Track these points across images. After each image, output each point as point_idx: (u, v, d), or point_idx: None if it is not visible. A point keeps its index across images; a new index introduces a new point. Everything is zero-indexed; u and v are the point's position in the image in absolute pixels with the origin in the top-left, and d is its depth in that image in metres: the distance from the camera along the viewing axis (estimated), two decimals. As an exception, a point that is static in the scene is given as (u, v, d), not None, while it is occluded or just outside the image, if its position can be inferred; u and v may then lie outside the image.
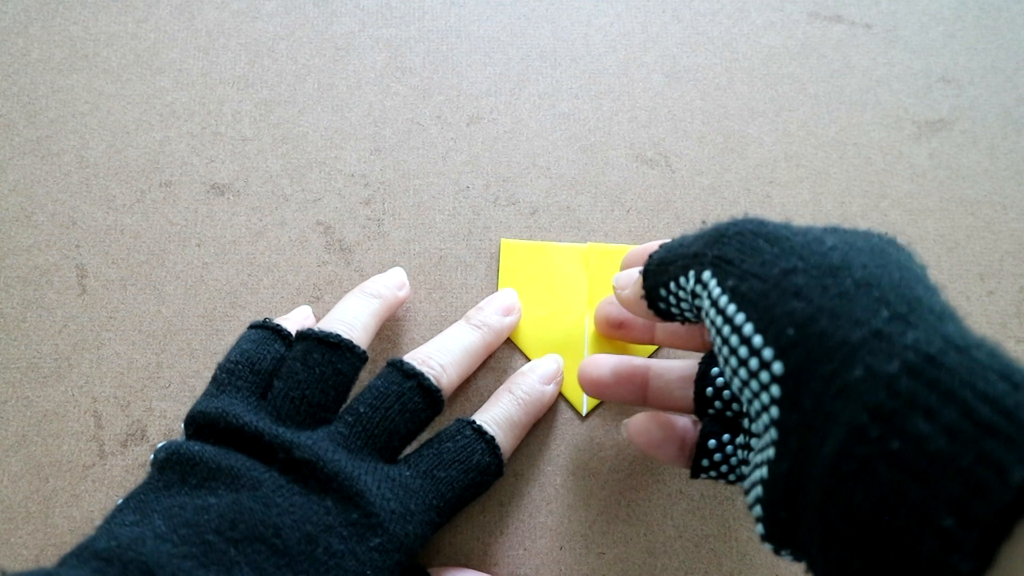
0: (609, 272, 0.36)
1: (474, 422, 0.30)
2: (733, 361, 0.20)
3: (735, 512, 0.32)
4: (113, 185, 0.39)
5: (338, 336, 0.29)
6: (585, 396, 0.33)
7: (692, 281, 0.23)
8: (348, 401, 0.29)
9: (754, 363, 0.19)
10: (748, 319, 0.20)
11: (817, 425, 0.17)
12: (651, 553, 0.31)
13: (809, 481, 0.17)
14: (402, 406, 0.28)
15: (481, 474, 0.29)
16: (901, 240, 0.23)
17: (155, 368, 0.35)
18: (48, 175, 0.39)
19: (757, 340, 0.19)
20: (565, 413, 0.34)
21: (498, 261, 0.37)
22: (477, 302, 0.35)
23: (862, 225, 0.38)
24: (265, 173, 0.39)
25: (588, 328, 0.35)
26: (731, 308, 0.21)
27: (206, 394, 0.29)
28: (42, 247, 0.37)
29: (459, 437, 0.29)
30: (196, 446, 0.26)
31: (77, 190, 0.39)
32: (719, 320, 0.21)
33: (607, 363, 0.30)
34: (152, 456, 0.27)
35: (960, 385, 0.15)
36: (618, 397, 0.30)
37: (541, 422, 0.33)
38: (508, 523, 0.32)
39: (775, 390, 0.19)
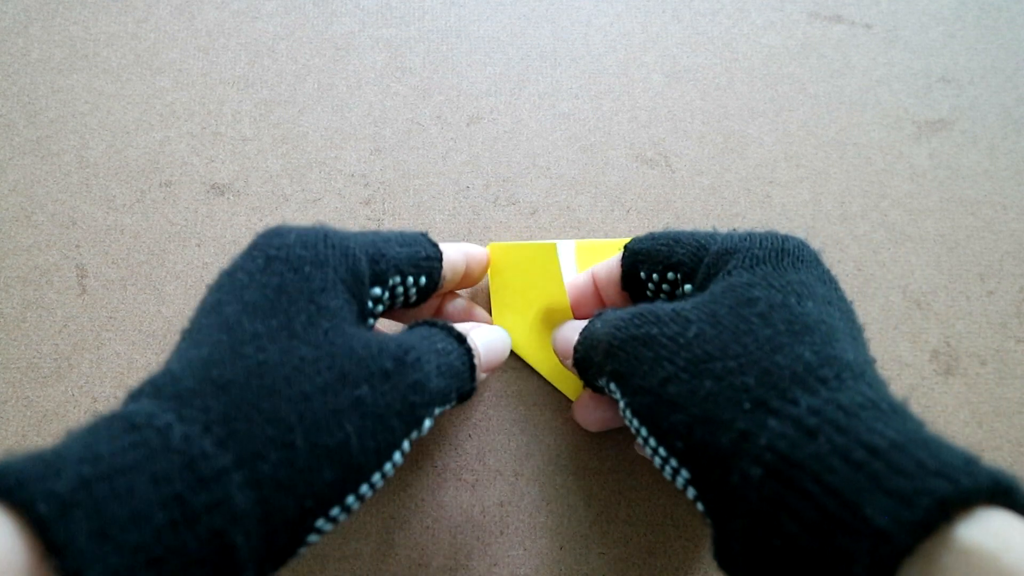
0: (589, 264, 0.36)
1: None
2: (656, 459, 0.23)
3: (735, 512, 0.32)
4: (113, 185, 0.39)
5: None
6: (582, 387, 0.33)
7: (607, 386, 0.25)
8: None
9: (668, 470, 0.22)
10: (650, 433, 0.22)
11: (725, 511, 0.20)
12: (651, 553, 0.31)
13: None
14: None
15: (421, 247, 0.28)
16: (810, 245, 0.25)
17: (155, 368, 0.35)
18: (48, 175, 0.39)
19: (662, 451, 0.22)
20: (565, 413, 0.34)
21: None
22: (476, 302, 0.35)
23: (861, 226, 0.38)
24: (265, 173, 0.39)
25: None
26: (635, 422, 0.23)
27: None
28: (42, 247, 0.37)
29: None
30: None
31: (77, 190, 0.39)
32: (633, 427, 0.24)
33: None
34: None
35: (811, 481, 0.17)
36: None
37: (541, 422, 0.33)
38: (508, 523, 0.32)
39: (690, 491, 0.22)
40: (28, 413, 0.34)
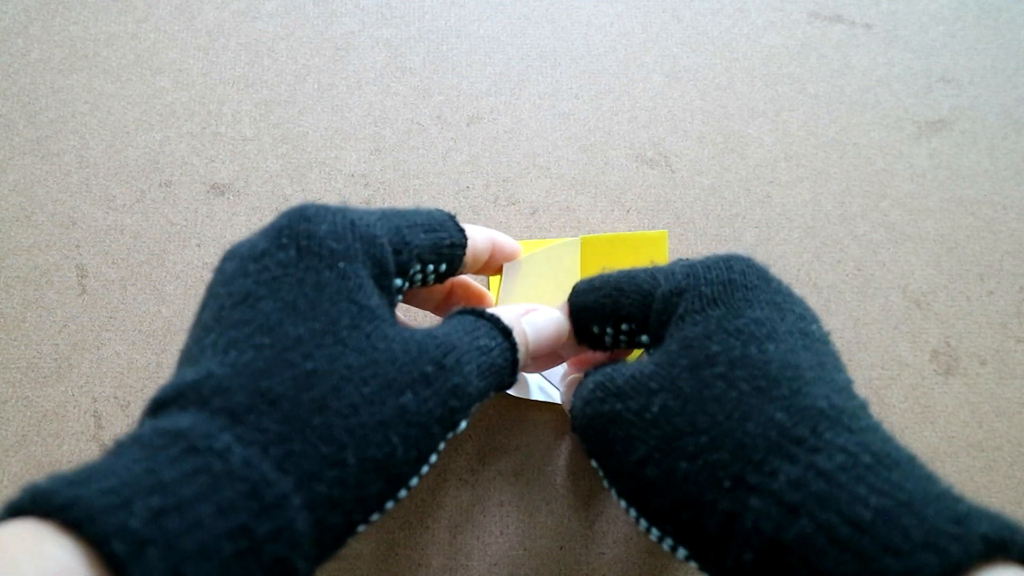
0: (602, 262, 0.35)
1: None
2: (652, 536, 0.22)
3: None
4: (113, 185, 0.39)
5: None
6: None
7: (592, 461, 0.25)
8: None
9: (665, 546, 0.22)
10: (639, 514, 0.22)
11: None
12: (651, 553, 0.31)
13: None
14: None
15: (443, 229, 0.27)
16: (754, 261, 0.24)
17: (155, 368, 0.35)
18: (48, 175, 0.39)
19: (655, 531, 0.22)
20: (566, 413, 0.34)
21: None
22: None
23: (861, 226, 0.38)
24: (265, 173, 0.39)
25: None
26: (623, 503, 0.23)
27: None
28: (42, 247, 0.37)
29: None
30: None
31: (77, 190, 0.39)
32: (622, 507, 0.23)
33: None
34: None
35: (802, 566, 0.17)
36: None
37: (541, 422, 0.33)
38: (508, 523, 0.32)
39: (693, 563, 0.21)
40: (28, 413, 0.34)
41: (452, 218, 0.28)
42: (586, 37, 0.44)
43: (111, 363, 0.35)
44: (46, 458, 0.33)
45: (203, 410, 0.19)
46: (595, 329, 0.27)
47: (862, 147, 0.41)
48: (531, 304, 0.28)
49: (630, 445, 0.22)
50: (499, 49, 0.43)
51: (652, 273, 0.25)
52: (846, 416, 0.19)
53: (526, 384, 0.33)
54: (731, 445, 0.19)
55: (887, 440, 0.19)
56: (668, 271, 0.25)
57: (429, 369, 0.22)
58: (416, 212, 0.26)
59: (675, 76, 0.43)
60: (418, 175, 0.39)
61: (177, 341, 0.35)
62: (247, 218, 0.38)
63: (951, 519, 0.16)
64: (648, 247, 0.32)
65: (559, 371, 0.34)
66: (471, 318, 0.25)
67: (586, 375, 0.26)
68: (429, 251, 0.26)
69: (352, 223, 0.23)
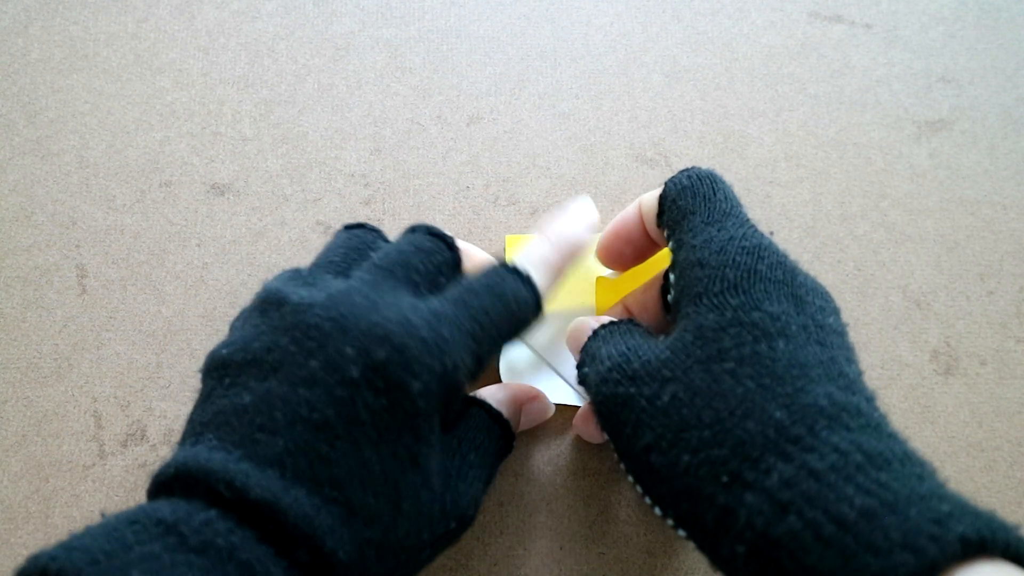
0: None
1: (503, 262, 0.27)
2: (656, 512, 0.23)
3: (735, 512, 0.32)
4: (113, 185, 0.39)
5: (361, 222, 0.29)
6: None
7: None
8: None
9: (668, 523, 0.23)
10: (644, 493, 0.23)
11: (724, 572, 0.21)
12: (651, 553, 0.31)
13: None
14: (414, 245, 0.27)
15: (517, 305, 0.26)
16: (783, 255, 0.24)
17: (155, 368, 0.35)
18: (48, 175, 0.39)
19: (657, 510, 0.23)
20: (566, 413, 0.34)
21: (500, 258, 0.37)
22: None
23: (861, 226, 0.38)
24: (265, 173, 0.39)
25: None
26: (630, 479, 0.24)
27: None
28: (42, 247, 0.37)
29: (489, 272, 0.27)
30: (225, 347, 0.24)
31: (77, 190, 0.39)
32: (630, 481, 0.24)
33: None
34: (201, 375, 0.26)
35: (789, 560, 0.18)
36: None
37: (541, 422, 0.33)
38: (508, 523, 0.32)
39: (692, 544, 0.22)
40: (28, 413, 0.34)
41: (537, 301, 0.27)
42: (586, 37, 0.44)
43: (111, 363, 0.35)
44: (46, 458, 0.33)
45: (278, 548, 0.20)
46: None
47: (862, 147, 0.41)
48: (525, 393, 0.31)
49: (639, 430, 0.23)
50: (499, 49, 0.43)
51: (693, 228, 0.26)
52: (846, 413, 0.20)
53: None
54: (732, 442, 0.20)
55: (885, 437, 0.20)
56: (705, 239, 0.25)
57: (453, 525, 0.24)
58: (492, 314, 0.25)
59: (675, 76, 0.43)
60: (418, 175, 0.39)
61: (177, 341, 0.35)
62: (247, 218, 0.38)
63: (932, 519, 0.17)
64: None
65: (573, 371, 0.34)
66: (481, 455, 0.27)
67: (595, 337, 0.27)
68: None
69: (444, 374, 0.23)
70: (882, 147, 0.41)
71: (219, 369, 0.23)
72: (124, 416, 0.34)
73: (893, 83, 0.43)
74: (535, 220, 0.38)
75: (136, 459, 0.33)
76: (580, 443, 0.33)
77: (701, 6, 0.45)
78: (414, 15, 0.44)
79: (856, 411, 0.20)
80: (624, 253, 0.31)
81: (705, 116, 0.41)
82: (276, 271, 0.37)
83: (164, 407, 0.34)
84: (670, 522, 0.22)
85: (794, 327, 0.22)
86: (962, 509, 0.17)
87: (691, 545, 0.22)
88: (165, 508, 0.19)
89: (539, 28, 0.44)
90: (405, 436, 0.22)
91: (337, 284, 0.24)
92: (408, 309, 0.23)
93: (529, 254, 0.27)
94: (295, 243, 0.37)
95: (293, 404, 0.21)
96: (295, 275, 0.26)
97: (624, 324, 0.27)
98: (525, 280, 0.26)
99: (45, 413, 0.34)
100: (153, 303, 0.36)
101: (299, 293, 0.24)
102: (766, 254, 0.24)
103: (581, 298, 0.35)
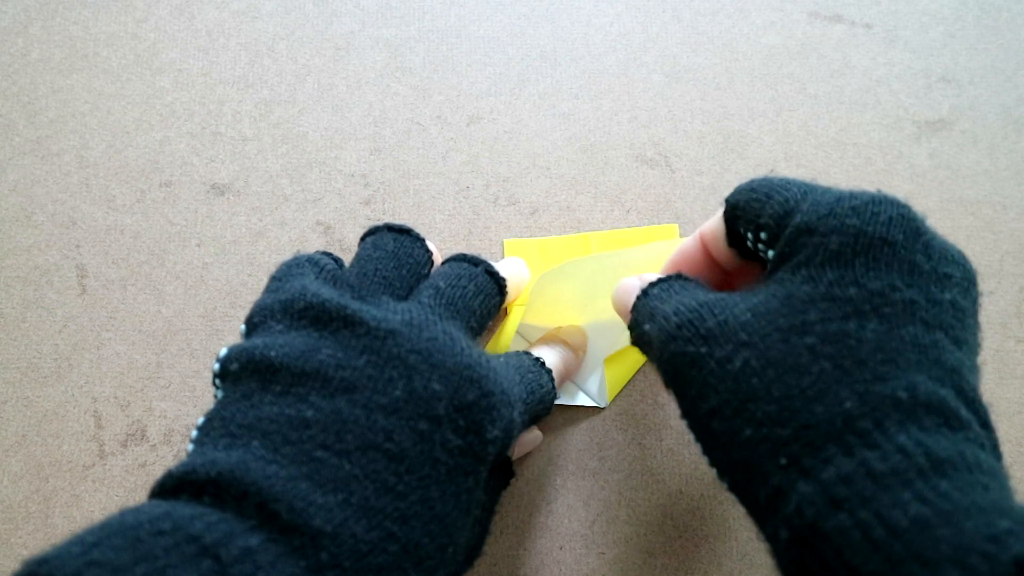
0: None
1: (530, 353, 0.29)
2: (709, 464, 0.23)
3: (735, 512, 0.32)
4: (113, 185, 0.39)
5: (406, 226, 0.28)
6: (603, 386, 0.33)
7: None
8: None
9: (720, 482, 0.22)
10: (703, 452, 0.23)
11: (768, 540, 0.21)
12: (651, 553, 0.31)
13: None
14: (476, 286, 0.27)
15: (542, 399, 0.27)
16: (911, 214, 0.22)
17: (155, 368, 0.35)
18: (48, 175, 0.39)
19: (715, 471, 0.22)
20: (565, 413, 0.34)
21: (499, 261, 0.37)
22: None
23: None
24: (265, 173, 0.39)
25: (596, 319, 0.35)
26: (691, 433, 0.23)
27: (268, 289, 0.26)
28: (42, 247, 0.37)
29: (524, 357, 0.28)
30: (272, 350, 0.22)
31: (77, 190, 0.39)
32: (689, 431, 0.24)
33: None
34: (217, 367, 0.23)
35: (834, 556, 0.17)
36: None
37: (540, 422, 0.33)
38: (508, 523, 0.32)
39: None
40: (28, 413, 0.34)
41: (550, 381, 0.29)
42: (586, 37, 0.44)
43: (111, 363, 0.35)
44: (46, 458, 0.33)
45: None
46: (741, 230, 0.26)
47: (862, 147, 0.41)
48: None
49: (704, 392, 0.22)
50: (499, 49, 0.43)
51: (805, 192, 0.23)
52: (924, 409, 0.19)
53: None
54: (796, 423, 0.19)
55: (960, 440, 0.18)
56: (818, 200, 0.22)
57: (461, 557, 0.24)
58: (536, 393, 0.27)
59: (675, 76, 0.43)
60: (418, 175, 0.39)
61: (177, 341, 0.35)
62: (247, 218, 0.38)
63: (987, 536, 0.16)
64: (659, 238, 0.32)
65: (588, 376, 0.34)
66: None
67: (647, 296, 0.26)
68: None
69: (511, 427, 0.24)
70: (882, 147, 0.41)
71: (264, 372, 0.22)
72: (124, 416, 0.34)
73: (893, 83, 0.43)
74: (535, 220, 0.38)
75: (136, 459, 0.33)
76: (580, 443, 0.33)
77: (701, 6, 0.45)
78: (414, 15, 0.44)
79: (939, 407, 0.19)
80: None
81: (705, 116, 0.41)
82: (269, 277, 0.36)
83: (164, 407, 0.34)
84: (726, 485, 0.22)
85: (897, 304, 0.20)
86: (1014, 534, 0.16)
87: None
88: (198, 522, 0.18)
89: (539, 28, 0.44)
90: (468, 480, 0.22)
91: (406, 310, 0.24)
92: (486, 357, 0.24)
93: (546, 357, 0.30)
94: (295, 243, 0.37)
95: (367, 429, 0.20)
96: (327, 274, 0.25)
97: (678, 280, 0.26)
98: (550, 376, 0.28)
99: (45, 413, 0.34)
100: (153, 303, 0.36)
101: (371, 313, 0.23)
102: (884, 208, 0.21)
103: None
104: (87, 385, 0.34)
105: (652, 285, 0.26)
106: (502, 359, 0.26)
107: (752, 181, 0.26)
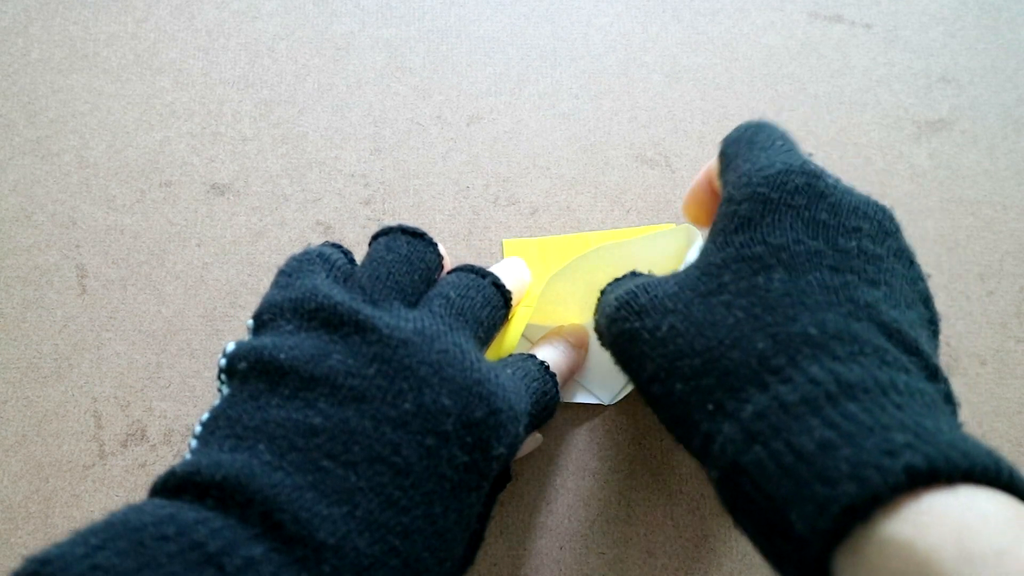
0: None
1: (535, 357, 0.29)
2: None
3: (735, 512, 0.32)
4: (113, 185, 0.39)
5: (420, 229, 0.28)
6: (611, 384, 0.33)
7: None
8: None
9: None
10: (661, 422, 0.24)
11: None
12: (651, 553, 0.31)
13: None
14: (484, 298, 0.27)
15: (547, 405, 0.28)
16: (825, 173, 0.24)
17: (155, 368, 0.35)
18: (48, 175, 0.39)
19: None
20: (565, 413, 0.34)
21: (499, 261, 0.37)
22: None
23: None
24: (265, 173, 0.39)
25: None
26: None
27: (277, 284, 0.25)
28: (42, 247, 0.37)
29: (530, 363, 0.28)
30: (282, 351, 0.22)
31: (77, 190, 0.39)
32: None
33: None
34: (224, 363, 0.23)
35: (752, 487, 0.18)
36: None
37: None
38: (508, 523, 0.32)
39: None
40: (28, 413, 0.34)
41: (553, 388, 0.29)
42: (586, 37, 0.44)
43: (111, 363, 0.35)
44: (46, 458, 0.33)
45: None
46: None
47: (862, 147, 0.41)
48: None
49: (642, 362, 0.23)
50: (499, 49, 0.43)
51: (749, 161, 0.25)
52: (837, 341, 0.19)
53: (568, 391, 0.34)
54: (718, 371, 0.21)
55: (875, 367, 0.19)
56: (741, 170, 0.25)
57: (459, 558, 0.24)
58: (540, 402, 0.27)
59: (675, 76, 0.43)
60: (418, 175, 0.39)
61: (177, 341, 0.35)
62: (247, 218, 0.38)
63: (884, 450, 0.16)
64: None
65: (592, 373, 0.34)
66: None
67: (602, 293, 0.28)
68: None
69: (515, 443, 0.24)
70: (882, 147, 0.41)
71: (273, 373, 0.22)
72: (124, 416, 0.34)
73: (893, 83, 0.43)
74: (535, 220, 0.38)
75: (136, 459, 0.33)
76: (580, 443, 0.33)
77: (701, 6, 0.45)
78: (414, 15, 0.44)
79: (852, 337, 0.19)
80: (699, 217, 0.32)
81: (705, 116, 0.41)
82: (276, 271, 0.36)
83: (164, 407, 0.34)
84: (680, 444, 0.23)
85: (801, 255, 0.22)
86: (929, 439, 0.16)
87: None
88: (202, 528, 0.17)
89: (539, 28, 0.44)
90: (472, 496, 0.22)
91: (419, 319, 0.24)
92: (495, 370, 0.24)
93: (548, 358, 0.30)
94: (295, 243, 0.37)
95: (374, 441, 0.20)
96: (338, 272, 0.25)
97: (628, 276, 0.28)
98: (554, 380, 0.28)
99: (45, 413, 0.34)
100: (153, 303, 0.36)
101: (383, 320, 0.23)
102: (788, 179, 0.23)
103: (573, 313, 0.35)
104: (87, 385, 0.34)
105: (608, 285, 0.28)
106: (508, 369, 0.26)
107: (740, 129, 0.28)
